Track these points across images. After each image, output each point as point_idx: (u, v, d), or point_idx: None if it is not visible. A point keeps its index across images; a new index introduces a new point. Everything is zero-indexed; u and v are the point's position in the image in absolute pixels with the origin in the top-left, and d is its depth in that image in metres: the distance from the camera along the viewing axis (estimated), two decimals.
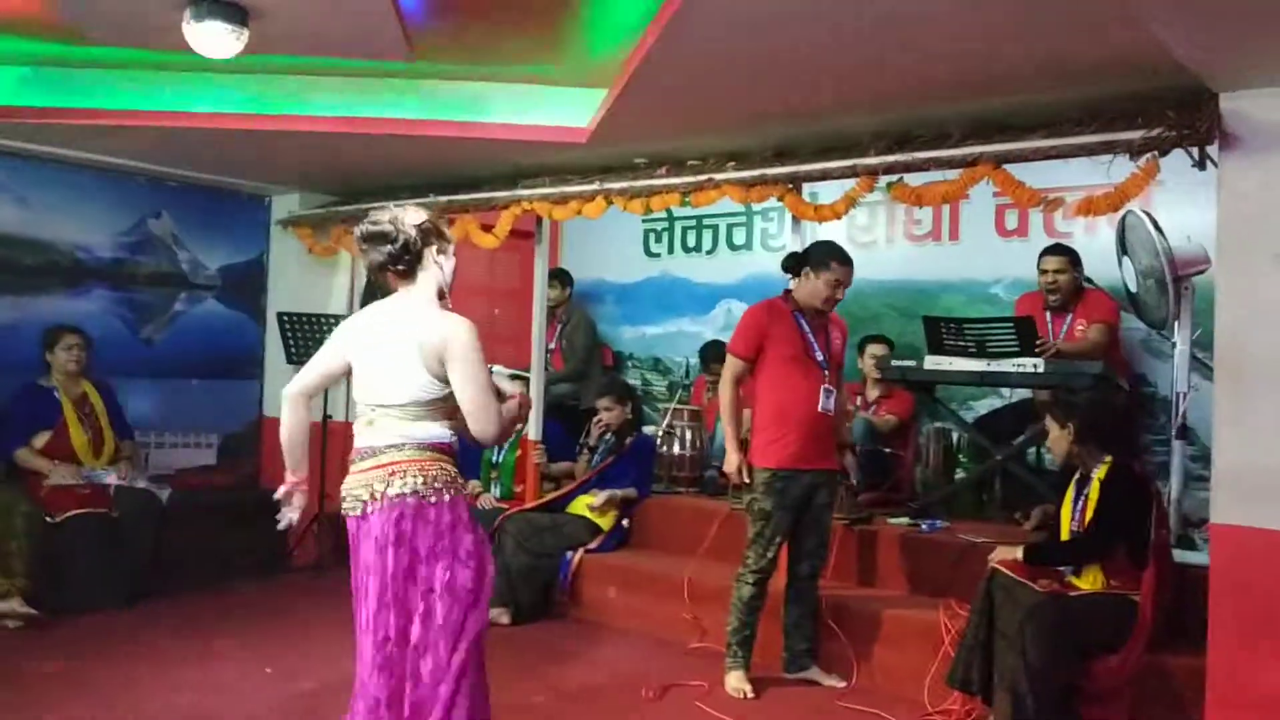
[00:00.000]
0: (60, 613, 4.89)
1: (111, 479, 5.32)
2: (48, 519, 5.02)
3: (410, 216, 2.83)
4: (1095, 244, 5.37)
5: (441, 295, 2.86)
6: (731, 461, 4.26)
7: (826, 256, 4.18)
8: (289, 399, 2.94)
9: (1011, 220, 5.98)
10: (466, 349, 2.70)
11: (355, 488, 2.77)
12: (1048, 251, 5.15)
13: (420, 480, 2.72)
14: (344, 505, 2.80)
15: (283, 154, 5.50)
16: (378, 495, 2.72)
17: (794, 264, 4.28)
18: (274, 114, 4.94)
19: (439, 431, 2.79)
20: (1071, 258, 5.06)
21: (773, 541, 4.17)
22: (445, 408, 2.79)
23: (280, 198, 6.80)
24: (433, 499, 2.73)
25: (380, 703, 2.72)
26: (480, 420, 2.74)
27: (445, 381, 2.74)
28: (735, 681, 4.19)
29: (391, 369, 2.76)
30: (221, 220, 6.65)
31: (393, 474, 2.72)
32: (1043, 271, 5.10)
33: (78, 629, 4.78)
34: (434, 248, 2.84)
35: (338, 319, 6.30)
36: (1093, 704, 3.70)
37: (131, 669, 4.26)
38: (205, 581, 5.58)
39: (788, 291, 4.33)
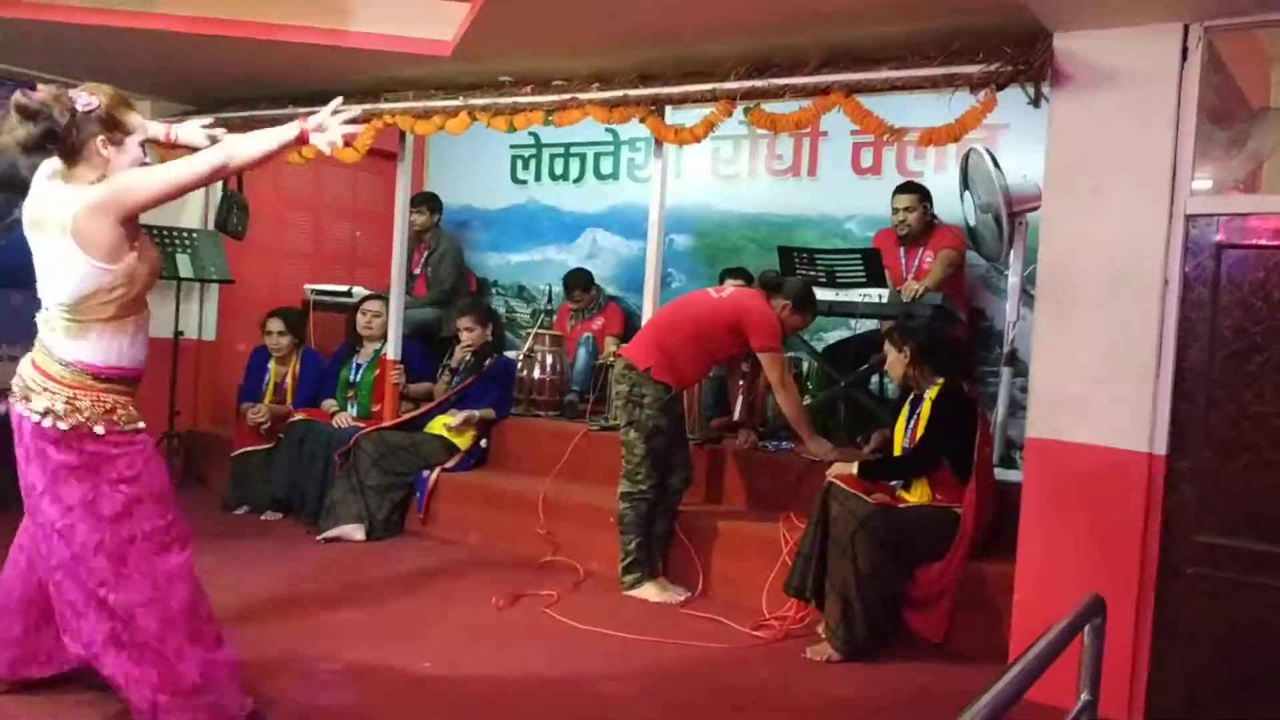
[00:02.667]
0: None
1: None
2: None
3: (82, 99, 2.64)
4: (944, 181, 5.60)
5: None
6: (825, 447, 4.60)
7: (812, 305, 4.66)
8: None
9: (866, 159, 6.18)
10: (114, 186, 2.62)
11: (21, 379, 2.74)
12: (899, 190, 5.35)
13: (58, 404, 2.67)
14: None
15: (130, 57, 5.26)
16: (22, 400, 2.71)
17: (775, 286, 4.63)
18: (119, 9, 4.72)
19: (90, 350, 2.70)
20: (921, 195, 5.27)
21: (660, 456, 4.42)
22: (112, 305, 2.69)
23: None
24: (60, 427, 2.67)
25: None
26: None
27: (109, 262, 2.63)
28: (663, 589, 4.43)
29: (51, 260, 2.67)
30: None
31: (39, 388, 2.69)
32: (894, 210, 5.30)
33: None
34: (100, 138, 2.66)
35: (190, 233, 6.13)
36: (916, 609, 3.97)
37: None
38: None
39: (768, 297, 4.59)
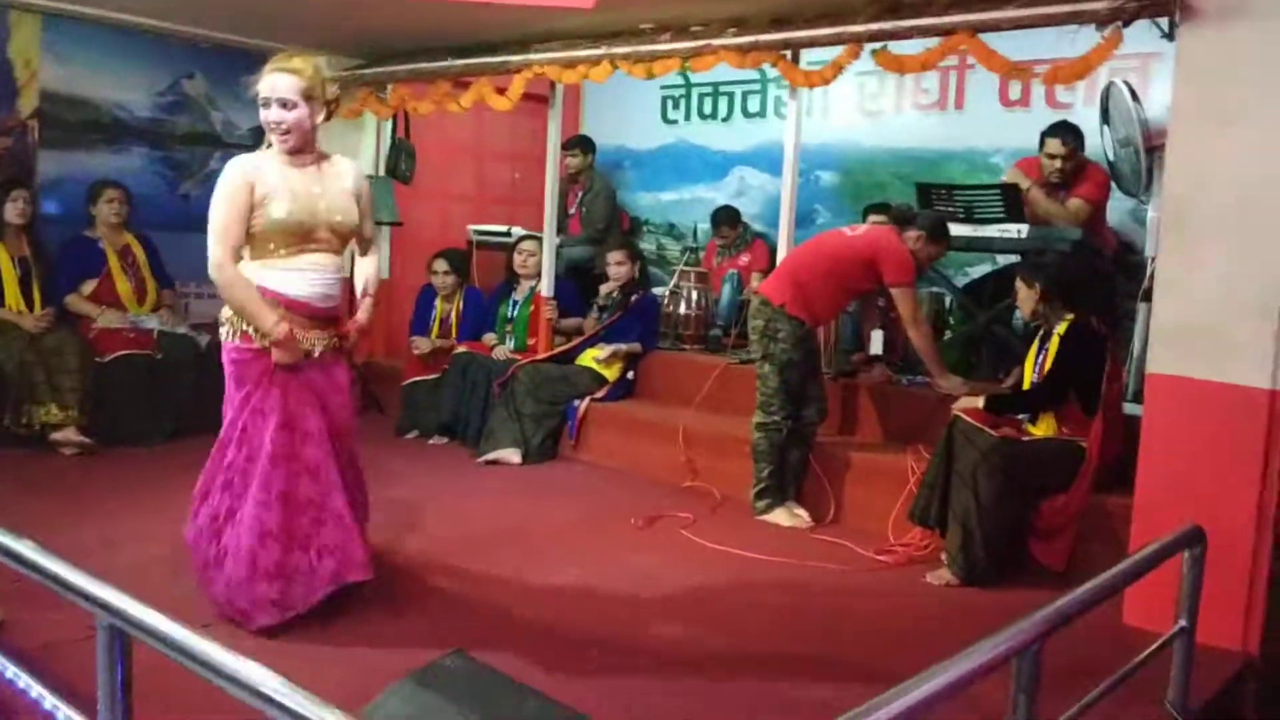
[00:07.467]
0: (111, 443, 5.36)
1: (154, 324, 5.74)
2: (97, 359, 5.45)
3: None
4: (1093, 114, 5.45)
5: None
6: (955, 382, 4.71)
7: (946, 235, 4.69)
8: None
9: (1014, 91, 6.10)
10: None
11: None
12: (1050, 133, 5.10)
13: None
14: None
15: (306, 16, 5.72)
16: None
17: (907, 220, 4.73)
18: None
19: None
20: (1075, 137, 5.04)
21: (794, 389, 4.63)
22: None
23: None
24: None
25: None
26: None
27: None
28: (792, 515, 4.66)
29: None
30: None
31: None
32: (1049, 155, 5.09)
33: (125, 458, 5.26)
34: None
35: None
36: (1040, 539, 4.05)
37: (175, 494, 4.71)
38: None
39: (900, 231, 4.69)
